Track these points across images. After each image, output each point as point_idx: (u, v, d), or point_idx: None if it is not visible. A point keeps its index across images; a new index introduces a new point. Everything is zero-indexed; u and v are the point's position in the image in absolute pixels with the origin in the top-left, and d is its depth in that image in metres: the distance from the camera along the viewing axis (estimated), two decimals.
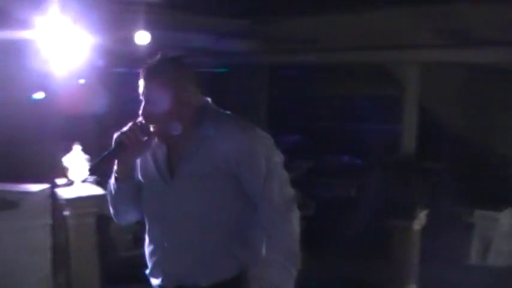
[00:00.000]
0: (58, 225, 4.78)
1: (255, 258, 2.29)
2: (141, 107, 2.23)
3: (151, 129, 2.24)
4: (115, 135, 2.24)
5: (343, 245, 5.82)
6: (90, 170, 2.33)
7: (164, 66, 2.24)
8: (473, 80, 6.90)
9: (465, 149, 7.16)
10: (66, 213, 4.75)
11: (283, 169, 2.31)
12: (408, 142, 6.77)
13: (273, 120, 8.15)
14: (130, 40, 5.22)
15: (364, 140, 8.47)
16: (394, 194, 5.90)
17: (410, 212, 5.23)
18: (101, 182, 4.62)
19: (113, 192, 2.36)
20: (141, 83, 2.24)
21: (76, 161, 4.83)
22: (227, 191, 2.26)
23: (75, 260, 4.78)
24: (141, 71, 2.23)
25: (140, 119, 2.24)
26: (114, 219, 2.48)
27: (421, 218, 5.27)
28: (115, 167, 2.31)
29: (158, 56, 2.28)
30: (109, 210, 2.46)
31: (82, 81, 6.13)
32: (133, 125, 2.24)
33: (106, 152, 2.25)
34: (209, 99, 2.35)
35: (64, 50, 4.39)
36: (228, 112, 2.35)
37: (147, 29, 5.25)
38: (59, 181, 4.94)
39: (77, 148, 4.89)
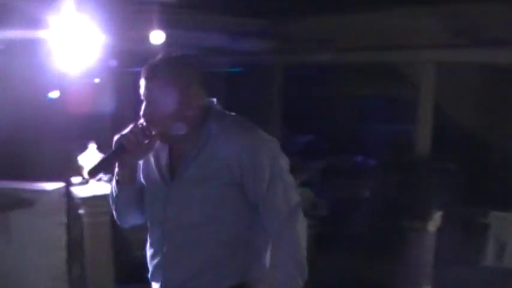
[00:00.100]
0: (73, 223, 4.80)
1: (258, 268, 2.23)
2: (142, 108, 2.15)
3: (153, 131, 2.15)
4: (115, 138, 2.17)
5: (356, 245, 5.81)
6: (89, 173, 2.20)
7: (166, 65, 2.15)
8: (489, 80, 6.86)
9: (480, 149, 7.12)
10: (81, 211, 4.78)
11: (289, 175, 2.21)
12: (423, 142, 6.73)
13: (286, 120, 8.14)
14: (145, 39, 5.23)
15: (377, 141, 8.44)
16: (408, 195, 5.88)
17: (425, 213, 5.22)
18: None
19: (115, 195, 2.31)
20: (142, 82, 2.15)
21: (91, 159, 4.85)
22: (229, 198, 2.17)
23: (90, 258, 4.80)
24: (142, 70, 2.15)
25: (141, 120, 2.16)
26: (117, 222, 2.43)
27: (435, 219, 5.26)
28: (116, 170, 2.24)
29: (160, 55, 2.20)
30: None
31: (97, 80, 6.16)
32: (134, 126, 2.16)
33: (106, 155, 2.19)
34: (214, 100, 2.26)
35: (79, 50, 4.40)
36: (233, 113, 2.26)
37: (162, 28, 5.25)
38: (74, 180, 4.97)
39: (92, 147, 4.92)
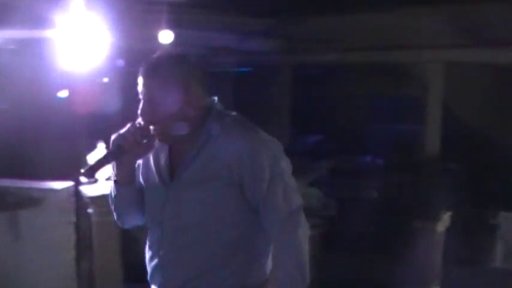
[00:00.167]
0: (82, 222, 4.81)
1: (258, 269, 2.19)
2: (140, 107, 2.09)
3: (152, 130, 2.10)
4: (112, 137, 2.11)
5: (364, 245, 5.80)
6: (84, 173, 2.13)
7: (165, 63, 2.10)
8: (497, 81, 6.84)
9: (490, 150, 7.09)
10: (90, 211, 4.78)
11: (291, 176, 2.15)
12: (432, 143, 6.72)
13: (295, 120, 8.14)
14: (154, 39, 5.24)
15: (386, 140, 8.42)
16: (417, 195, 5.87)
17: (433, 213, 5.20)
18: None
19: (114, 196, 2.27)
20: (140, 81, 2.10)
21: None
22: (229, 198, 2.11)
23: (98, 257, 4.80)
24: (141, 68, 2.10)
25: (139, 119, 2.10)
26: (118, 223, 2.40)
27: (444, 220, 5.24)
28: (114, 171, 2.19)
29: (159, 52, 2.15)
30: None
31: (106, 79, 6.17)
32: (131, 126, 2.10)
33: (103, 155, 2.14)
34: (215, 99, 2.20)
35: (88, 49, 4.40)
36: (234, 113, 2.20)
37: (170, 28, 5.25)
38: (83, 179, 4.97)
39: (101, 146, 4.92)
